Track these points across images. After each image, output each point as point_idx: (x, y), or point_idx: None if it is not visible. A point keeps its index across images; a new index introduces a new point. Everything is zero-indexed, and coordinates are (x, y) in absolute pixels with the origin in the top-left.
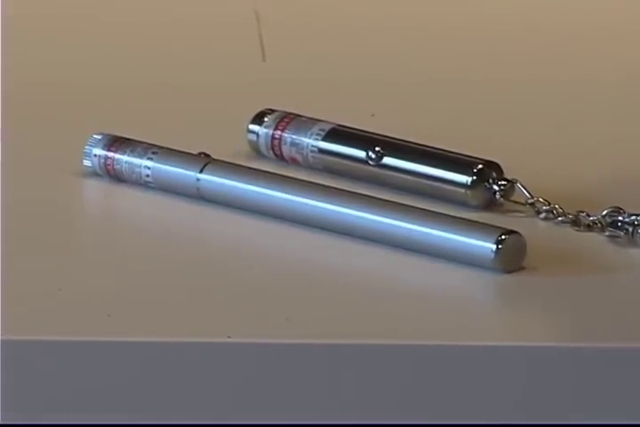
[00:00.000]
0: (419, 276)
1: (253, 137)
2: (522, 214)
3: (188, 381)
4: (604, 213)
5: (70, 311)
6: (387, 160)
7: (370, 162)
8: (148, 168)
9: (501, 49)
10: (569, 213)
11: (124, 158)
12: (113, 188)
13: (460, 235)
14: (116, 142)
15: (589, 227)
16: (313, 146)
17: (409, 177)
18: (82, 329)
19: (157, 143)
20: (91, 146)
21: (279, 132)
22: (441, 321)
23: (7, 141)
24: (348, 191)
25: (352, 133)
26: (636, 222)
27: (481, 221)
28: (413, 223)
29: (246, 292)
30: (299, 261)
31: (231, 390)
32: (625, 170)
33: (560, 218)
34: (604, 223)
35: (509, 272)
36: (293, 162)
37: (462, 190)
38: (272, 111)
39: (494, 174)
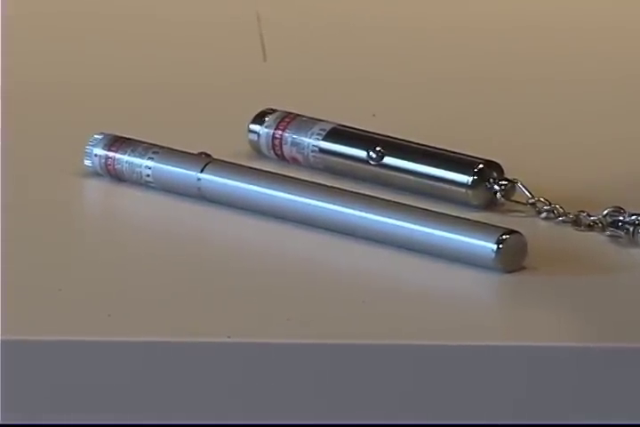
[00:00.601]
0: (419, 275)
1: (254, 137)
2: (522, 214)
3: (188, 381)
4: (605, 212)
5: (70, 311)
6: (387, 160)
7: (371, 162)
8: (149, 168)
9: (502, 49)
10: (570, 213)
11: (124, 158)
12: (113, 187)
13: (461, 235)
14: (116, 142)
15: (590, 227)
16: (314, 146)
17: (410, 177)
18: (82, 329)
19: (158, 143)
20: (91, 146)
21: (280, 132)
22: (442, 321)
23: (8, 141)
24: (349, 191)
25: (353, 133)
26: (636, 222)
27: (482, 220)
28: (414, 223)
29: (247, 292)
30: (300, 260)
31: (231, 390)
32: (625, 170)
33: (561, 218)
34: (604, 223)
35: (510, 272)
36: (294, 162)
37: (463, 190)
38: (273, 111)
39: (495, 174)
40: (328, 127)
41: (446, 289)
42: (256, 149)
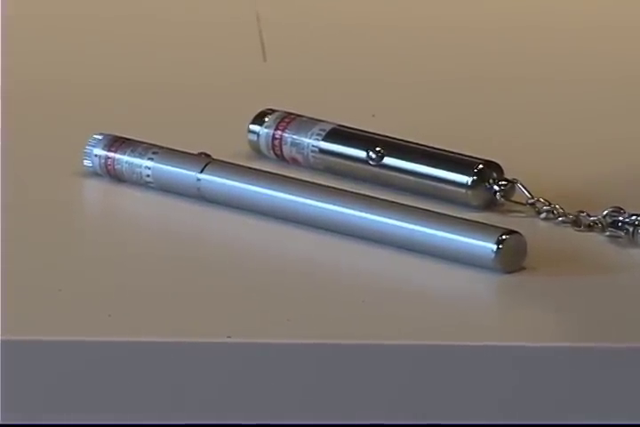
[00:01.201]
0: (419, 276)
1: (254, 137)
2: (522, 214)
3: (188, 381)
4: (605, 213)
5: (71, 311)
6: (387, 160)
7: (370, 162)
8: (149, 168)
9: (502, 49)
10: (569, 214)
11: (124, 158)
12: (113, 188)
13: (461, 235)
14: (116, 142)
15: (590, 227)
16: (313, 146)
17: (409, 177)
18: (82, 329)
19: (158, 143)
20: (91, 146)
21: (280, 133)
22: (441, 321)
23: (7, 141)
24: (349, 191)
25: (353, 133)
26: (636, 222)
27: (481, 221)
28: (414, 223)
29: (247, 292)
30: (299, 261)
31: (231, 391)
32: (625, 170)
33: (560, 218)
34: (604, 223)
35: (510, 272)
36: (294, 162)
37: (463, 190)
38: (272, 111)
39: (495, 174)
40: (328, 127)
41: (446, 289)
42: (256, 150)
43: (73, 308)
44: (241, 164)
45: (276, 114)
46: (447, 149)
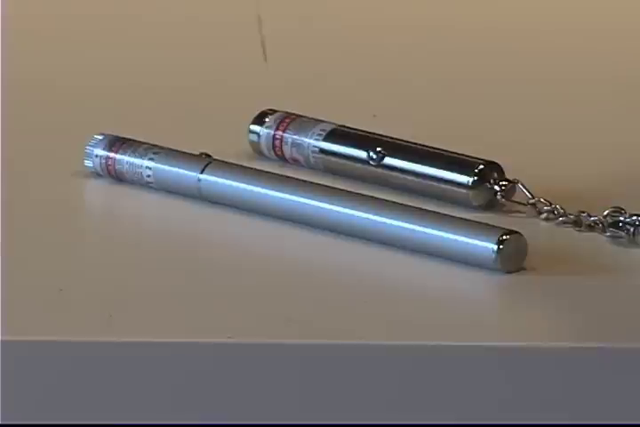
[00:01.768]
0: (420, 276)
1: (255, 137)
2: (523, 215)
3: (189, 381)
4: (606, 213)
5: (71, 312)
6: (388, 160)
7: (371, 162)
8: (150, 169)
9: (502, 49)
10: (570, 214)
11: (125, 159)
12: (114, 188)
13: (461, 235)
14: (117, 143)
15: (591, 227)
16: (314, 146)
17: (410, 177)
18: (83, 330)
19: (159, 144)
20: (92, 146)
21: (280, 133)
22: (442, 321)
23: (8, 142)
24: (350, 192)
25: (353, 134)
26: (637, 223)
27: (482, 221)
28: (414, 224)
29: (247, 292)
30: (300, 261)
31: (232, 390)
32: (626, 170)
33: (561, 218)
34: (605, 224)
35: (510, 272)
36: (295, 162)
37: (463, 191)
38: (273, 112)
39: (495, 175)
40: (328, 128)
41: (446, 289)
42: (256, 150)
43: (74, 308)
44: (242, 164)
45: (277, 114)
46: (448, 149)
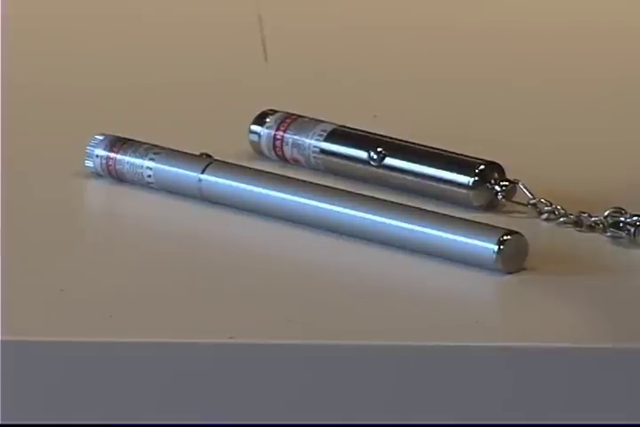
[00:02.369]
0: (420, 276)
1: (255, 138)
2: (523, 215)
3: (190, 381)
4: (606, 213)
5: (72, 312)
6: (388, 161)
7: (372, 163)
8: (150, 169)
9: (503, 49)
10: (571, 214)
11: (125, 159)
12: (115, 188)
13: (462, 235)
14: (117, 143)
15: (591, 228)
16: (315, 147)
17: (411, 178)
18: (83, 330)
19: (159, 144)
20: (92, 146)
21: (281, 133)
22: (442, 321)
23: (9, 142)
24: (350, 192)
25: (354, 134)
26: (637, 223)
27: (483, 221)
28: (415, 224)
29: (248, 292)
30: (300, 261)
31: (232, 390)
32: (627, 171)
33: (562, 219)
34: (605, 224)
35: (511, 273)
36: (295, 163)
37: (464, 191)
38: (274, 112)
39: (496, 175)
40: (329, 128)
41: (447, 290)
42: (257, 150)
43: (74, 308)
44: (242, 164)
45: (278, 114)
46: (448, 149)
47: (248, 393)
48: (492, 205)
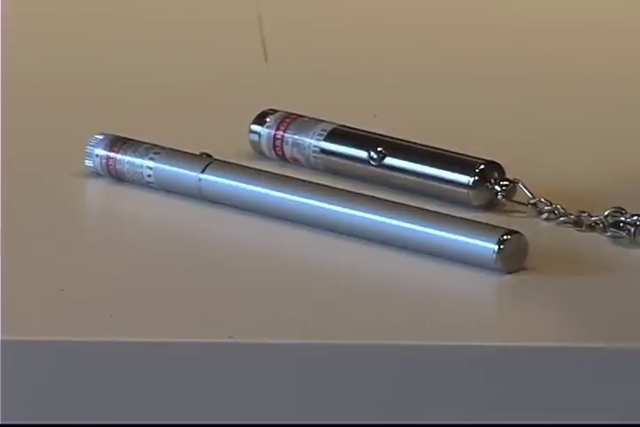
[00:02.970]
0: (420, 276)
1: (255, 137)
2: (523, 215)
3: (189, 381)
4: (606, 213)
5: (72, 312)
6: (388, 160)
7: (372, 162)
8: (150, 168)
9: (503, 49)
10: (571, 214)
11: (125, 159)
12: (114, 188)
13: (462, 235)
14: (117, 142)
15: (591, 227)
16: (315, 146)
17: (411, 177)
18: (84, 330)
19: (159, 143)
20: (92, 146)
21: (281, 133)
22: (442, 321)
23: (8, 141)
24: (350, 192)
25: (354, 134)
26: (638, 223)
27: (483, 221)
28: (415, 224)
29: (248, 292)
30: (300, 261)
31: (232, 390)
32: (627, 170)
33: (562, 218)
34: (605, 224)
35: (511, 272)
36: (295, 162)
37: (464, 191)
38: (274, 111)
39: (496, 175)
40: (329, 128)
41: (447, 289)
42: (257, 150)
43: (75, 308)
44: (242, 164)
45: (278, 114)
46: (448, 149)
47: (248, 393)
48: (491, 205)
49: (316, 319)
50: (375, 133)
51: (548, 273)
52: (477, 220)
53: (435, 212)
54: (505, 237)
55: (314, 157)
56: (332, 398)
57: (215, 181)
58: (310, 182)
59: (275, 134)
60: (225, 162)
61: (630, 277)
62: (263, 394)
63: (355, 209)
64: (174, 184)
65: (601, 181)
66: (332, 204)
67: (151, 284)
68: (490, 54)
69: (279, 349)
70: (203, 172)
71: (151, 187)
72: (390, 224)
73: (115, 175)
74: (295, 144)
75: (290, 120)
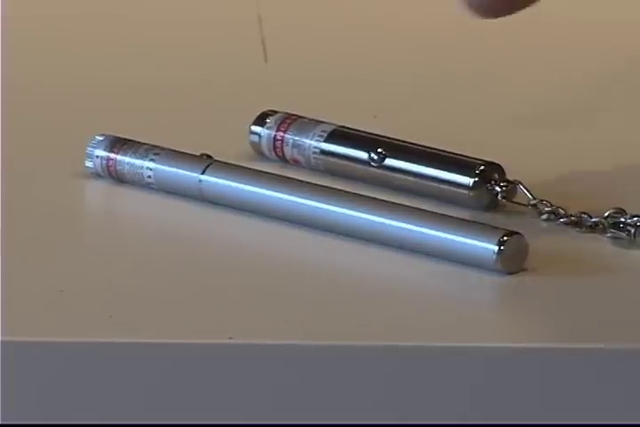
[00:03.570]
0: (420, 277)
1: (255, 138)
2: (524, 216)
3: (189, 381)
4: (607, 214)
5: (72, 312)
6: (389, 161)
7: (372, 163)
8: (150, 169)
9: (503, 50)
10: (571, 215)
11: (125, 160)
12: (115, 189)
13: (462, 236)
14: (117, 143)
15: (591, 228)
16: (315, 147)
17: (411, 178)
18: (83, 330)
19: (159, 144)
20: (92, 147)
21: (281, 134)
22: (442, 322)
23: (8, 143)
24: (350, 193)
25: (354, 135)
26: (638, 224)
27: (483, 222)
28: (415, 224)
29: (247, 293)
30: (300, 262)
31: (232, 391)
32: (628, 171)
33: (562, 219)
34: (606, 225)
35: (511, 273)
36: (295, 163)
37: (464, 192)
38: (274, 112)
39: (496, 176)
40: (329, 129)
41: (447, 290)
42: (257, 151)
43: (74, 309)
44: (243, 165)
45: (278, 115)
46: (449, 150)
47: (248, 393)
48: (492, 206)
49: (316, 320)
50: (375, 134)
51: (549, 274)
52: (477, 221)
53: (435, 213)
54: (505, 237)
55: (314, 158)
56: (331, 399)
57: (215, 182)
58: (311, 183)
59: (275, 135)
60: (225, 163)
61: (630, 278)
62: (263, 394)
63: (355, 210)
64: (174, 185)
65: (601, 182)
66: (332, 205)
67: (151, 285)
68: (489, 55)
69: (279, 350)
70: (203, 173)
71: (151, 188)
72: (390, 225)
73: (115, 176)
74: (295, 145)
75: (290, 121)
